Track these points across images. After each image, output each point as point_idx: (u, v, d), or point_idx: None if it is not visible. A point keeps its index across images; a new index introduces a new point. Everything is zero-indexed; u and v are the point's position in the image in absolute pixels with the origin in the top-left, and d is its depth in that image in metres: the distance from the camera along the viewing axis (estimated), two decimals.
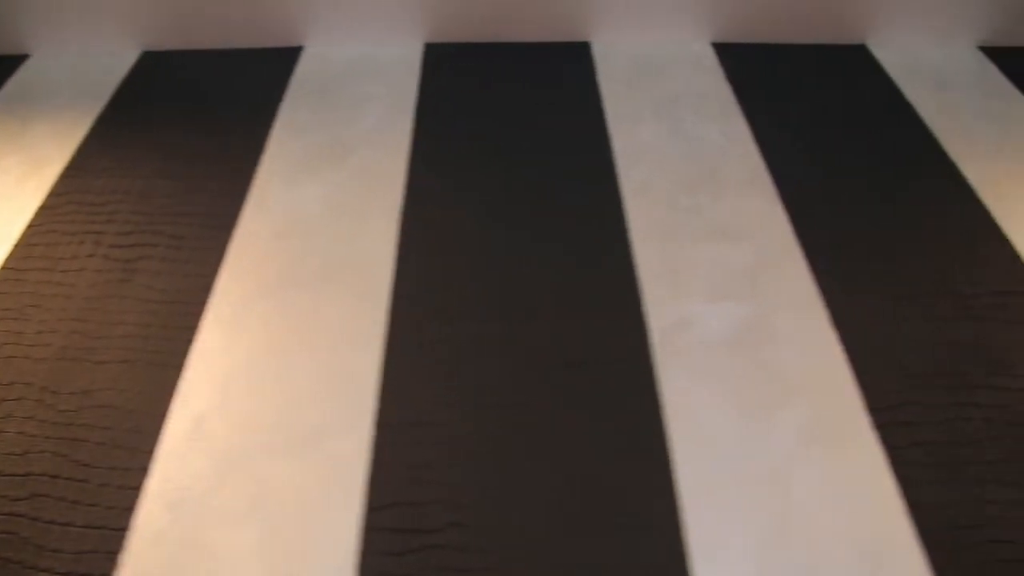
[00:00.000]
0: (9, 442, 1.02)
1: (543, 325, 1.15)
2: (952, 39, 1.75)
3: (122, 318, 1.17)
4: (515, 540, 0.92)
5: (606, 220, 1.32)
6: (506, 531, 0.93)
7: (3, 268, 1.25)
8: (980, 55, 1.77)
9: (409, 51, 1.69)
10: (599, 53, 1.71)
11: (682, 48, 1.73)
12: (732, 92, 1.61)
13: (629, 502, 0.96)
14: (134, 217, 1.32)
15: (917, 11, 1.70)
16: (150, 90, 1.60)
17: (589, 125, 1.53)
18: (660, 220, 1.32)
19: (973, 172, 1.47)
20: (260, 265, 1.24)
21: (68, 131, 1.51)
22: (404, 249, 1.26)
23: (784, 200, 1.37)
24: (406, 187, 1.38)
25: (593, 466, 0.99)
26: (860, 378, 1.11)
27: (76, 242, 1.29)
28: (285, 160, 1.42)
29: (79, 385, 1.08)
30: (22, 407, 1.06)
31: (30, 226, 1.32)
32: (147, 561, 0.91)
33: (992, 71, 1.72)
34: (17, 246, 1.28)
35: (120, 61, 1.67)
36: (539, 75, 1.65)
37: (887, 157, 1.50)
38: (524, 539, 0.93)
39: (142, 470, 1.00)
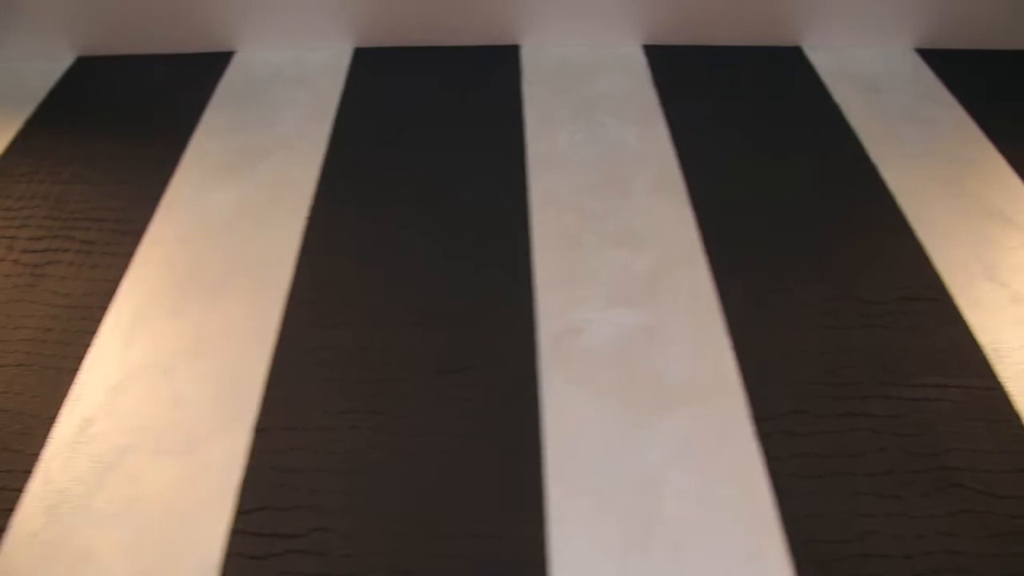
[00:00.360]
0: None
1: (431, 331, 1.16)
2: (889, 41, 1.73)
3: (24, 322, 1.19)
4: (376, 547, 0.93)
5: (510, 226, 1.32)
6: (368, 538, 0.94)
7: None
8: (916, 58, 1.74)
9: (338, 56, 1.70)
10: (527, 56, 1.71)
11: (612, 51, 1.72)
12: (656, 95, 1.60)
13: (494, 511, 0.96)
14: (47, 222, 1.35)
15: (853, 13, 1.67)
16: (80, 95, 1.63)
17: (507, 129, 1.52)
18: (565, 225, 1.32)
19: (893, 176, 1.45)
20: (164, 270, 1.25)
21: None
22: (305, 255, 1.27)
23: (694, 205, 1.36)
24: (315, 193, 1.38)
25: (461, 474, 1.00)
26: (748, 386, 1.10)
27: None
28: (201, 165, 1.44)
29: None
30: None
31: None
32: (19, 562, 0.93)
33: (927, 74, 1.69)
34: None
35: (54, 66, 1.69)
36: (464, 79, 1.65)
37: (807, 160, 1.48)
38: (385, 546, 0.93)
39: (25, 472, 1.02)
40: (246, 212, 1.34)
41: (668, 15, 1.67)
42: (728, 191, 1.40)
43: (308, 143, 1.47)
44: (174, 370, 1.11)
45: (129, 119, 1.55)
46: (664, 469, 1.00)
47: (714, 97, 1.62)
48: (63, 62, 1.70)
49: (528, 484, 0.98)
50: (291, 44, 1.67)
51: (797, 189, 1.41)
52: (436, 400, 1.07)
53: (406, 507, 0.97)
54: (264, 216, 1.34)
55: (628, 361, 1.12)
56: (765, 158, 1.48)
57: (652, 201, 1.37)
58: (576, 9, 1.65)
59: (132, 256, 1.27)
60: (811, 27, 1.70)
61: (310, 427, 1.05)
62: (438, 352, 1.13)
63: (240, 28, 1.64)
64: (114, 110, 1.57)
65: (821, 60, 1.71)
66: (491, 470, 1.00)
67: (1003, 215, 1.38)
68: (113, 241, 1.30)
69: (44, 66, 1.69)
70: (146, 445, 1.03)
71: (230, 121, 1.52)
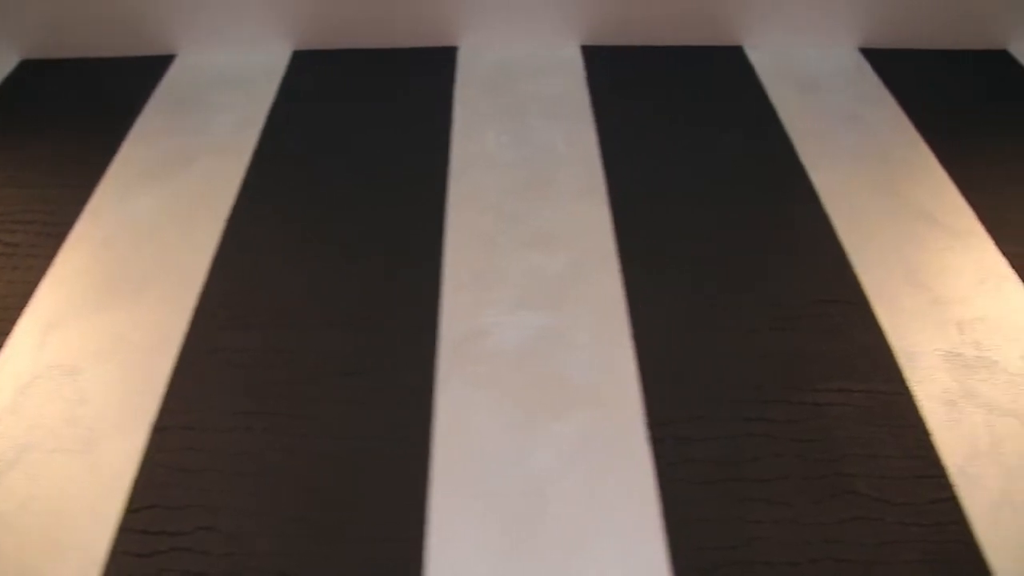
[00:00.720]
0: None
1: (337, 333, 1.16)
2: (832, 41, 1.70)
3: None
4: (258, 547, 0.94)
5: (425, 228, 1.32)
6: (252, 537, 0.95)
7: None
8: (859, 57, 1.71)
9: (276, 59, 1.71)
10: (464, 58, 1.71)
11: (551, 52, 1.71)
12: (589, 96, 1.59)
13: (378, 513, 0.97)
14: None
15: (796, 13, 1.65)
16: (20, 99, 1.65)
17: (434, 132, 1.52)
18: (481, 228, 1.31)
19: (821, 177, 1.43)
20: (84, 273, 1.27)
21: None
22: (220, 258, 1.28)
23: (613, 207, 1.35)
24: (237, 197, 1.39)
25: (351, 477, 1.00)
26: (647, 391, 1.09)
27: None
28: (130, 168, 1.45)
29: None
30: None
31: None
32: None
33: (868, 74, 1.66)
34: None
35: None
36: (398, 81, 1.65)
37: (736, 161, 1.47)
38: (267, 546, 0.94)
39: None
40: (170, 216, 1.36)
41: (608, 16, 1.66)
42: (650, 193, 1.39)
43: (236, 147, 1.48)
44: (82, 371, 1.13)
45: (67, 122, 1.56)
46: (553, 473, 1.00)
47: (648, 98, 1.61)
48: (7, 64, 1.72)
49: (414, 487, 0.98)
50: (232, 47, 1.68)
51: (721, 191, 1.40)
52: (335, 401, 1.08)
53: (293, 508, 0.98)
54: (186, 220, 1.35)
55: (530, 364, 1.12)
56: (692, 159, 1.47)
57: (572, 204, 1.36)
58: (515, 11, 1.64)
59: (53, 259, 1.29)
60: (753, 27, 1.68)
61: (208, 427, 1.06)
62: (342, 354, 1.13)
63: (182, 32, 1.65)
64: (53, 113, 1.58)
65: (761, 60, 1.69)
66: (380, 473, 1.00)
67: (931, 217, 1.36)
68: (38, 243, 1.32)
69: None
70: (46, 444, 1.04)
71: (164, 125, 1.53)
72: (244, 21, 1.64)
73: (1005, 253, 1.29)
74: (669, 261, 1.26)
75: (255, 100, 1.58)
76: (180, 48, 1.69)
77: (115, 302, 1.22)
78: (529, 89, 1.61)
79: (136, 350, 1.14)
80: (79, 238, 1.32)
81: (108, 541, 0.94)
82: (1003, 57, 1.73)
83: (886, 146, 1.49)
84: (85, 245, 1.31)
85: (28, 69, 1.71)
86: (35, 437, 1.05)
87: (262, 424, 1.07)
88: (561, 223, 1.32)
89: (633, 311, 1.18)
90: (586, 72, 1.66)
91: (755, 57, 1.70)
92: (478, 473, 0.99)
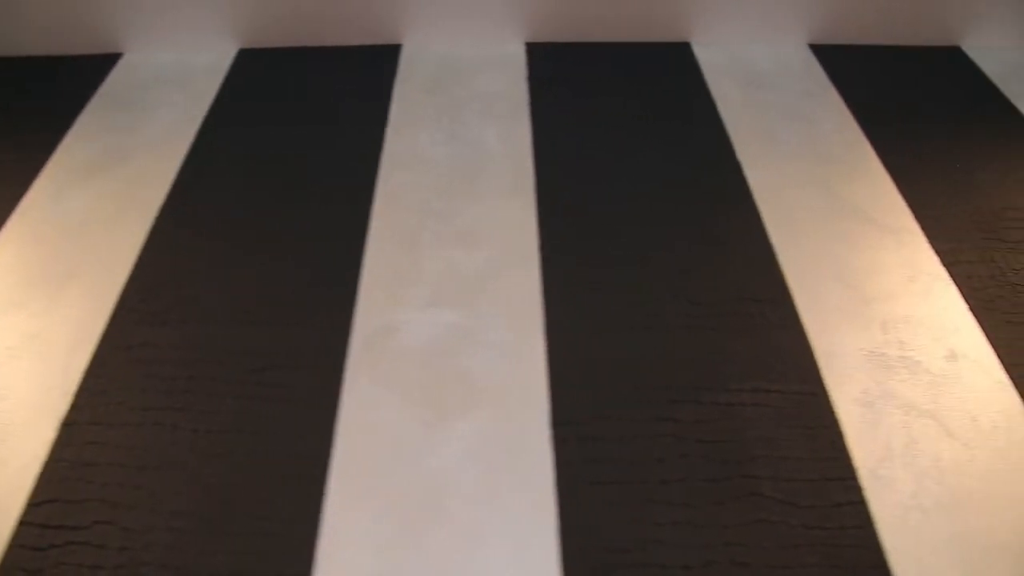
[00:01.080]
0: None
1: (251, 330, 1.16)
2: (781, 37, 1.68)
3: None
4: (153, 540, 0.93)
5: (349, 226, 1.32)
6: (148, 532, 0.94)
7: None
8: (808, 54, 1.69)
9: (221, 58, 1.72)
10: (407, 56, 1.70)
11: (495, 49, 1.70)
12: (528, 94, 1.58)
13: (275, 510, 0.96)
14: None
15: (745, 9, 1.64)
16: None
17: (369, 130, 1.52)
18: (404, 226, 1.31)
19: (757, 175, 1.41)
20: (10, 270, 1.27)
21: None
22: (144, 256, 1.28)
23: (540, 205, 1.34)
24: (168, 195, 1.40)
25: (251, 473, 0.99)
26: (555, 390, 1.08)
27: None
28: (66, 167, 1.46)
29: None
30: None
31: None
32: None
33: (816, 70, 1.64)
34: None
35: None
36: (339, 80, 1.65)
37: (670, 159, 1.45)
38: (162, 540, 0.94)
39: None
40: (99, 214, 1.36)
41: (554, 12, 1.65)
42: (579, 191, 1.38)
43: (172, 145, 1.49)
44: None
45: (6, 121, 1.58)
46: (452, 471, 0.99)
47: (588, 95, 1.60)
48: None
49: (312, 483, 0.98)
50: (177, 46, 1.70)
51: (653, 189, 1.38)
52: (242, 398, 1.08)
53: (192, 504, 0.98)
54: (115, 218, 1.35)
55: (436, 362, 1.11)
56: (626, 157, 1.45)
57: (498, 201, 1.35)
58: (461, 8, 1.64)
59: None
60: (702, 24, 1.66)
61: (115, 423, 1.06)
62: (253, 350, 1.13)
63: (128, 31, 1.66)
64: None
65: (708, 57, 1.67)
66: (280, 469, 0.99)
67: (866, 215, 1.33)
68: None
69: None
70: None
71: (103, 123, 1.54)
72: (190, 20, 1.65)
73: (938, 251, 1.27)
74: (591, 259, 1.25)
75: (196, 99, 1.59)
76: (126, 47, 1.70)
77: (38, 298, 1.22)
78: (468, 87, 1.60)
79: (52, 346, 1.15)
80: (8, 237, 1.33)
81: (8, 535, 0.95)
82: (956, 54, 1.70)
83: (827, 144, 1.47)
84: (13, 244, 1.32)
85: None
86: None
87: (169, 420, 1.07)
88: (485, 221, 1.31)
89: (548, 309, 1.17)
90: (528, 69, 1.66)
91: (702, 54, 1.68)
92: (376, 470, 0.98)
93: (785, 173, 1.41)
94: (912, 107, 1.55)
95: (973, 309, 1.19)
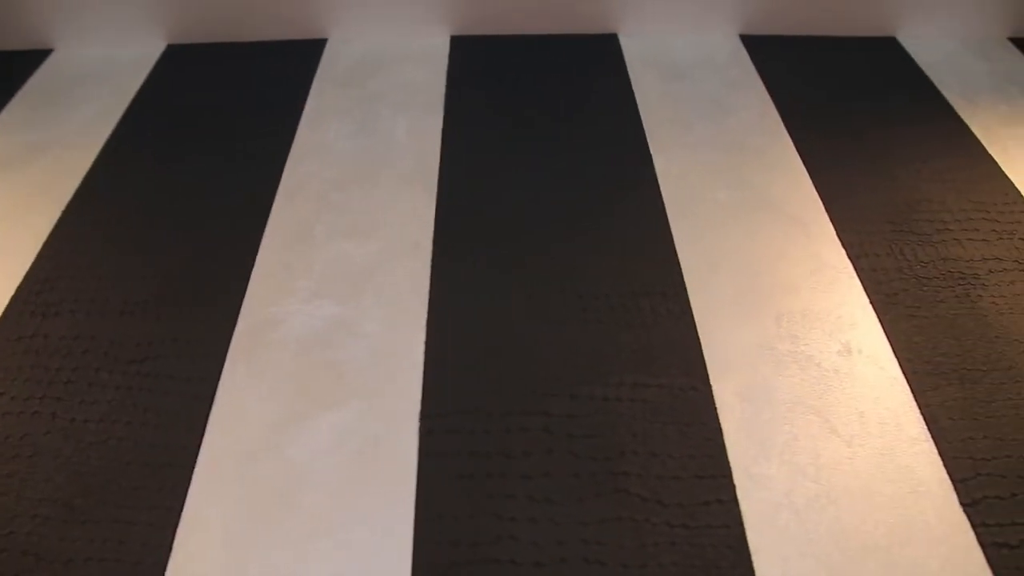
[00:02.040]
0: None
1: (138, 321, 1.16)
2: (711, 28, 1.64)
3: None
4: (15, 528, 0.92)
5: (249, 218, 1.31)
6: (10, 519, 0.93)
7: None
8: (738, 44, 1.65)
9: (149, 53, 1.72)
10: (331, 50, 1.70)
11: (418, 43, 1.69)
12: (445, 87, 1.57)
13: (138, 499, 0.95)
14: None
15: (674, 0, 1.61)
16: None
17: (282, 123, 1.51)
18: (301, 218, 1.30)
19: (667, 166, 1.37)
20: None
21: None
22: (48, 248, 1.28)
23: (440, 198, 1.32)
24: (78, 188, 1.40)
25: (120, 462, 0.98)
26: (428, 383, 1.06)
27: None
28: None
29: None
30: None
31: None
32: None
33: (744, 61, 1.60)
34: None
35: None
36: (260, 74, 1.65)
37: (580, 150, 1.42)
38: (24, 527, 0.93)
39: None
40: (8, 208, 1.36)
41: (480, 5, 1.64)
42: (481, 184, 1.36)
43: (89, 140, 1.49)
44: None
45: None
46: (314, 463, 0.97)
47: (507, 88, 1.57)
48: None
49: (178, 472, 0.97)
50: (107, 42, 1.70)
51: (557, 182, 1.36)
52: (122, 388, 1.07)
53: (58, 491, 0.97)
54: (23, 211, 1.36)
55: (315, 354, 1.09)
56: (535, 150, 1.43)
57: (398, 194, 1.33)
58: (385, 1, 1.63)
59: None
60: (630, 15, 1.63)
61: None
62: (139, 341, 1.13)
63: (59, 26, 1.68)
64: None
65: (634, 48, 1.64)
66: (150, 458, 0.98)
67: (776, 206, 1.29)
68: None
69: None
70: None
71: (25, 118, 1.55)
72: (120, 16, 1.66)
73: (845, 244, 1.22)
74: (484, 253, 1.22)
75: (119, 94, 1.59)
76: (57, 42, 1.72)
77: None
78: (386, 80, 1.59)
79: None
80: None
81: None
82: (891, 44, 1.65)
83: (744, 134, 1.43)
84: None
85: None
86: None
87: (48, 409, 1.06)
88: (381, 213, 1.29)
89: (432, 303, 1.15)
90: (449, 62, 1.64)
91: (628, 45, 1.65)
92: (241, 461, 0.97)
93: (696, 164, 1.37)
94: (837, 98, 1.51)
95: (874, 303, 1.14)
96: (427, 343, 1.10)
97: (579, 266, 1.21)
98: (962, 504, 0.91)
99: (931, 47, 1.67)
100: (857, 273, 1.19)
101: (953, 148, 1.42)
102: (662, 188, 1.33)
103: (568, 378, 1.06)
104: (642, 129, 1.45)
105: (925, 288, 1.16)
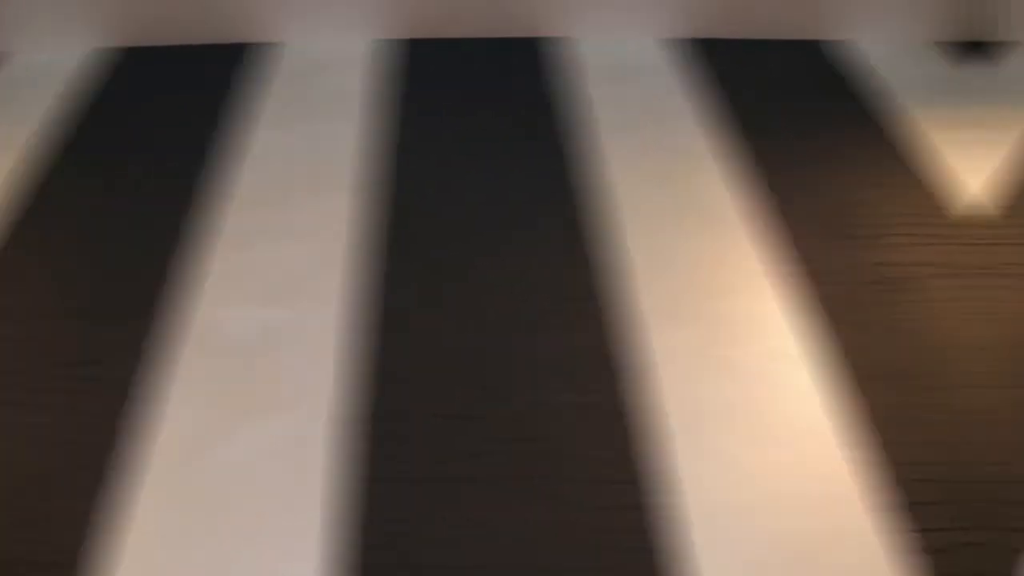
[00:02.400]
0: None
1: (80, 326, 1.14)
2: (657, 32, 1.66)
3: None
4: None
5: (185, 225, 1.30)
6: None
7: None
8: (678, 48, 1.67)
9: (92, 57, 1.69)
10: (268, 53, 1.69)
11: (355, 47, 1.69)
12: (384, 92, 1.57)
13: (67, 503, 0.92)
14: None
15: (616, 2, 1.61)
16: None
17: (214, 130, 1.51)
18: (237, 224, 1.29)
19: (603, 171, 1.37)
20: None
21: None
22: None
23: (373, 204, 1.32)
24: (22, 195, 1.36)
25: (53, 466, 0.96)
26: (361, 388, 1.04)
27: None
28: None
29: None
30: None
31: None
32: None
33: (683, 65, 1.62)
34: None
35: None
36: (202, 79, 1.65)
37: (517, 156, 1.42)
38: None
39: None
40: None
41: (420, 8, 1.64)
42: (416, 190, 1.36)
43: (26, 146, 1.45)
44: None
45: None
46: (243, 468, 0.95)
47: (444, 93, 1.58)
48: None
49: (112, 476, 0.95)
50: (45, 47, 1.67)
51: (493, 188, 1.36)
52: (62, 392, 1.06)
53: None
54: None
55: (248, 359, 1.08)
56: (472, 156, 1.43)
57: (338, 199, 1.33)
58: (323, 5, 1.63)
59: None
60: (571, 18, 1.65)
61: None
62: (82, 345, 1.12)
63: (11, 30, 1.64)
64: None
65: (574, 52, 1.66)
66: (85, 461, 0.97)
67: (707, 211, 1.30)
68: None
69: None
70: None
71: None
72: (64, 20, 1.64)
73: (781, 248, 1.23)
74: (417, 259, 1.22)
75: (57, 99, 1.57)
76: (11, 45, 1.68)
77: None
78: (325, 85, 1.60)
79: None
80: None
81: None
82: (832, 48, 1.68)
83: (681, 139, 1.44)
84: None
85: None
86: None
87: None
88: (318, 218, 1.29)
89: (366, 308, 1.14)
90: (387, 67, 1.65)
91: (568, 49, 1.66)
92: (173, 466, 0.96)
93: (633, 169, 1.38)
94: (776, 102, 1.53)
95: (808, 307, 1.14)
96: (361, 348, 1.09)
97: (511, 273, 1.21)
98: (891, 509, 0.91)
99: (866, 52, 1.69)
100: (792, 277, 1.19)
101: (887, 153, 1.44)
102: (598, 193, 1.34)
103: (504, 383, 1.05)
104: (580, 134, 1.46)
105: (858, 293, 1.17)
